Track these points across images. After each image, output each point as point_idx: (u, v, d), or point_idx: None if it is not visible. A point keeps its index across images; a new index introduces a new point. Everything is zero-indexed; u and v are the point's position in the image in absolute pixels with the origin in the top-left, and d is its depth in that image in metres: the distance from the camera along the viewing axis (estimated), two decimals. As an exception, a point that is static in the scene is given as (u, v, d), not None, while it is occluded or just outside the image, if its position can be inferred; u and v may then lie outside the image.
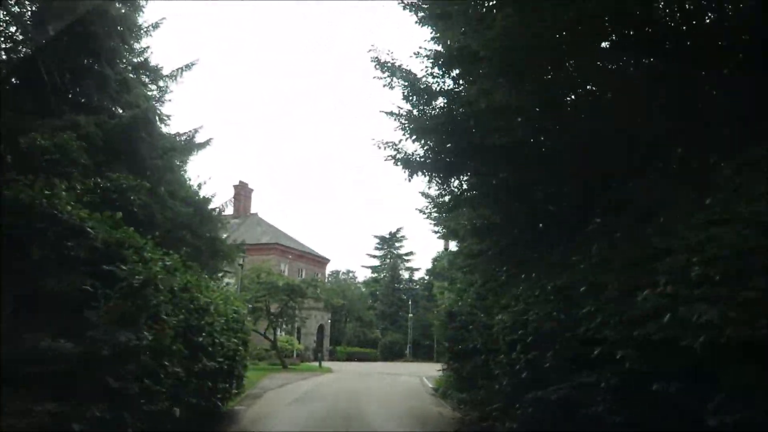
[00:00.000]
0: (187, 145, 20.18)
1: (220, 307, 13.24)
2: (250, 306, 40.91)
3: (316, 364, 46.80)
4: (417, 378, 34.56)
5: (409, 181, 12.63)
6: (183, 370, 9.59)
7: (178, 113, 29.93)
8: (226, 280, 47.36)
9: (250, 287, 40.26)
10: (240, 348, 15.67)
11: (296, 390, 24.86)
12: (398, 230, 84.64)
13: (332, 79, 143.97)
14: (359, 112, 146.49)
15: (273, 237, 60.93)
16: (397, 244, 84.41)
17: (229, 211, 26.46)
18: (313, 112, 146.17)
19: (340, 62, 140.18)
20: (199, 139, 20.87)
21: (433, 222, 22.66)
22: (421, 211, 21.16)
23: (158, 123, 18.57)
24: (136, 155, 16.94)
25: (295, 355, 54.72)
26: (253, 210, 67.00)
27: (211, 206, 21.41)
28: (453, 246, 33.30)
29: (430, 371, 43.20)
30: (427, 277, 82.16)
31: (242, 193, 66.00)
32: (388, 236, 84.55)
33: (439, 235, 25.80)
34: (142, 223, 12.46)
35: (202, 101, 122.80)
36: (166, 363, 8.86)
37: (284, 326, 42.16)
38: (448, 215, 17.86)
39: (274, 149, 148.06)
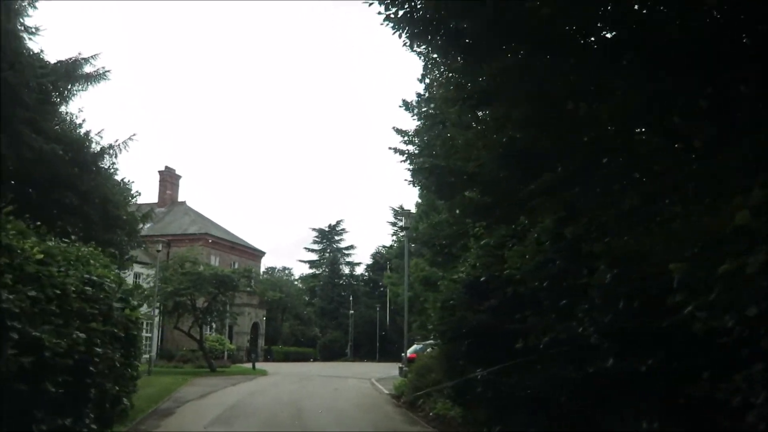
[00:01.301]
0: (69, 72, 14.47)
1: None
2: (177, 299, 35.08)
3: (250, 365, 41.08)
4: (367, 381, 29.49)
5: (410, 48, 7.58)
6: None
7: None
8: (141, 270, 41.42)
9: (173, 279, 34.31)
10: (108, 348, 9.54)
11: (222, 401, 19.32)
12: (338, 222, 79.52)
13: (269, 52, 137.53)
14: (301, 84, 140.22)
15: (202, 227, 54.75)
16: (337, 238, 79.11)
17: (134, 171, 20.51)
18: (249, 89, 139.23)
19: (275, 33, 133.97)
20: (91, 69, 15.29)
21: (411, 164, 17.76)
22: (397, 150, 16.55)
23: (17, 27, 12.85)
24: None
25: (226, 356, 48.81)
26: (180, 198, 60.58)
27: (105, 160, 15.81)
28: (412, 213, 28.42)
29: (378, 372, 38.25)
30: (367, 274, 77.08)
31: (168, 179, 59.69)
32: (327, 229, 79.14)
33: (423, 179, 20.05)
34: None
35: (121, 82, 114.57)
36: None
37: (213, 324, 36.30)
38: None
39: (205, 133, 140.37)
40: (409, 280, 30.65)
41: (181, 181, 61.44)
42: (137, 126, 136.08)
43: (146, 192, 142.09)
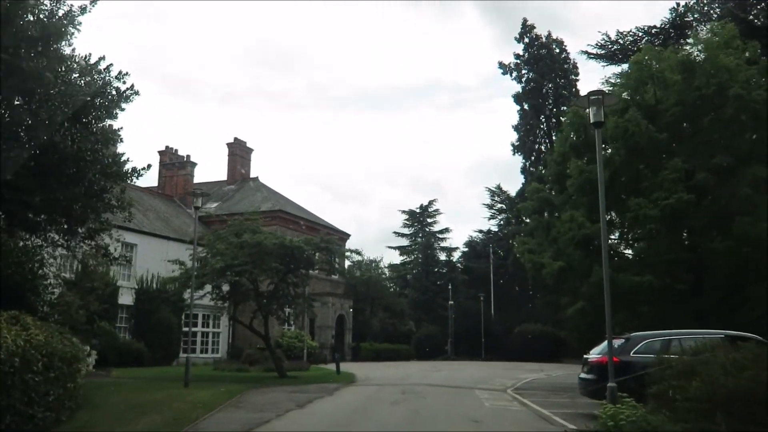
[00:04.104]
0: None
1: None
2: (227, 282, 25.26)
3: (333, 367, 30.81)
4: (506, 396, 18.62)
5: None
6: None
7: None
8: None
9: (226, 252, 24.47)
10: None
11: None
12: (430, 203, 68.53)
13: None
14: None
15: (276, 204, 45.23)
16: (429, 220, 68.17)
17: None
18: (327, 51, 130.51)
19: None
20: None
21: None
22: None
23: None
24: None
25: (306, 356, 38.94)
26: (253, 174, 51.40)
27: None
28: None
29: (504, 377, 27.29)
30: (460, 265, 65.75)
31: (238, 153, 50.61)
32: (418, 210, 68.36)
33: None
34: None
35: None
36: None
37: (280, 314, 26.26)
38: None
39: (280, 105, 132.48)
40: (550, 244, 19.64)
41: (253, 156, 52.34)
42: (203, 96, 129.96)
43: (214, 169, 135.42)
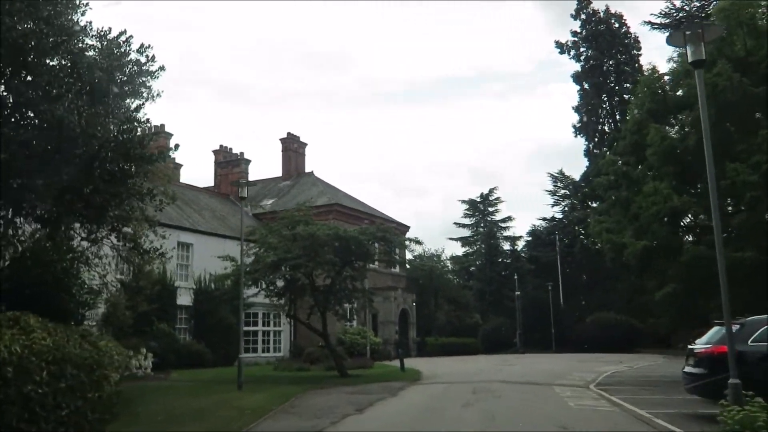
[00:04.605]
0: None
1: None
2: (281, 277, 23.74)
3: (397, 363, 28.92)
4: (594, 395, 16.36)
5: None
6: None
7: None
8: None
9: (279, 246, 22.95)
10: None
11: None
12: (491, 191, 65.80)
13: None
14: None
15: (332, 198, 43.72)
16: (490, 209, 65.52)
17: None
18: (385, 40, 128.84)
19: None
20: None
21: None
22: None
23: None
24: None
25: (369, 352, 37.27)
26: (307, 169, 50.10)
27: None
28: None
29: (583, 371, 24.89)
30: (524, 254, 62.79)
31: (292, 148, 49.37)
32: (479, 199, 65.82)
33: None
34: None
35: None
36: None
37: (338, 309, 24.54)
38: None
39: (335, 100, 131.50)
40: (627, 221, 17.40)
41: (308, 153, 51.09)
42: (258, 88, 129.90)
43: (269, 166, 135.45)
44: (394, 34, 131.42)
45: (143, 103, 12.65)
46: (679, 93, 19.82)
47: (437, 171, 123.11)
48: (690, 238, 18.08)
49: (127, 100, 12.00)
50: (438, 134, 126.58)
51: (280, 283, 24.44)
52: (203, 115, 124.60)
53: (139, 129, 12.55)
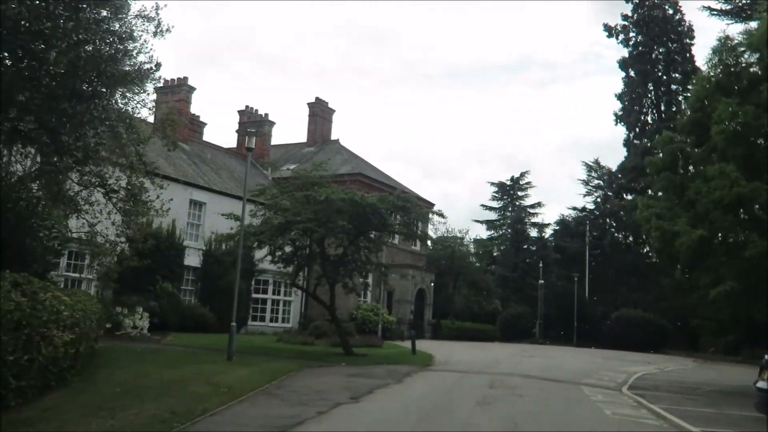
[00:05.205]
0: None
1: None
2: (288, 242, 21.62)
3: (409, 345, 26.61)
4: (636, 405, 13.89)
5: None
6: None
7: None
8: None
9: (290, 209, 20.78)
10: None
11: None
12: (522, 175, 62.80)
13: None
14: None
15: (356, 167, 41.44)
16: (520, 193, 62.60)
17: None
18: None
19: None
20: None
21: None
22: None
23: None
24: None
25: (381, 331, 35.18)
26: (334, 136, 47.77)
27: None
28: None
29: (610, 370, 22.39)
30: (552, 242, 59.90)
31: (319, 114, 47.05)
32: (509, 183, 62.95)
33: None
34: None
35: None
36: None
37: (347, 281, 22.28)
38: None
39: (367, 69, 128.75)
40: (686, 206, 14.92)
41: (335, 117, 48.68)
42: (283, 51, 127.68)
43: (294, 130, 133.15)
44: (439, 16, 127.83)
45: (125, 20, 10.45)
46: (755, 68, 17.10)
47: (469, 155, 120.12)
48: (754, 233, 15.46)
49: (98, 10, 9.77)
50: (473, 119, 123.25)
51: (288, 248, 22.33)
52: (240, 83, 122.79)
53: (114, 45, 10.34)
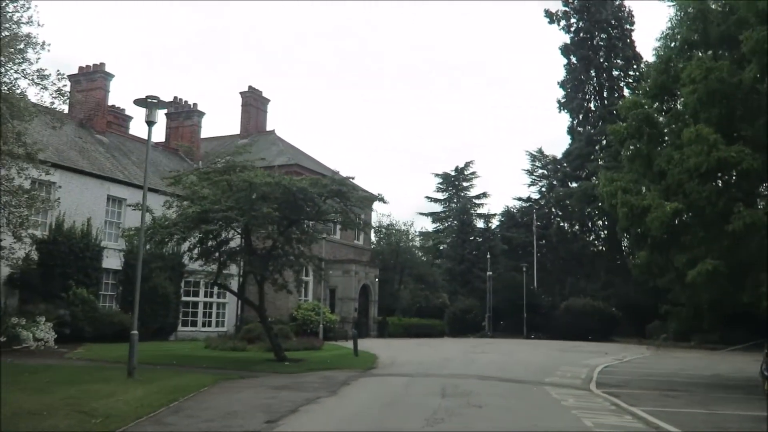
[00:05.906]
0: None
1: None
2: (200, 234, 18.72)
3: (352, 345, 23.91)
4: (615, 409, 11.56)
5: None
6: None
7: None
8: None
9: (208, 197, 17.87)
10: None
11: None
12: (467, 165, 61.04)
13: None
14: None
15: (293, 158, 38.59)
16: (465, 184, 60.79)
17: None
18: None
19: None
20: None
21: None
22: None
23: None
24: None
25: (323, 331, 32.46)
26: (269, 127, 44.74)
27: None
28: None
29: (572, 366, 20.17)
30: (498, 233, 58.21)
31: (253, 104, 43.95)
32: (453, 173, 61.01)
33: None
34: None
35: None
36: None
37: (277, 277, 19.44)
38: None
39: (302, 54, 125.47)
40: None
41: (269, 107, 45.61)
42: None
43: (227, 122, 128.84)
44: (388, 13, 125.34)
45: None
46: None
47: (414, 152, 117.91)
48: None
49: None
50: (417, 116, 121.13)
51: (210, 243, 19.41)
52: (174, 74, 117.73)
53: None
